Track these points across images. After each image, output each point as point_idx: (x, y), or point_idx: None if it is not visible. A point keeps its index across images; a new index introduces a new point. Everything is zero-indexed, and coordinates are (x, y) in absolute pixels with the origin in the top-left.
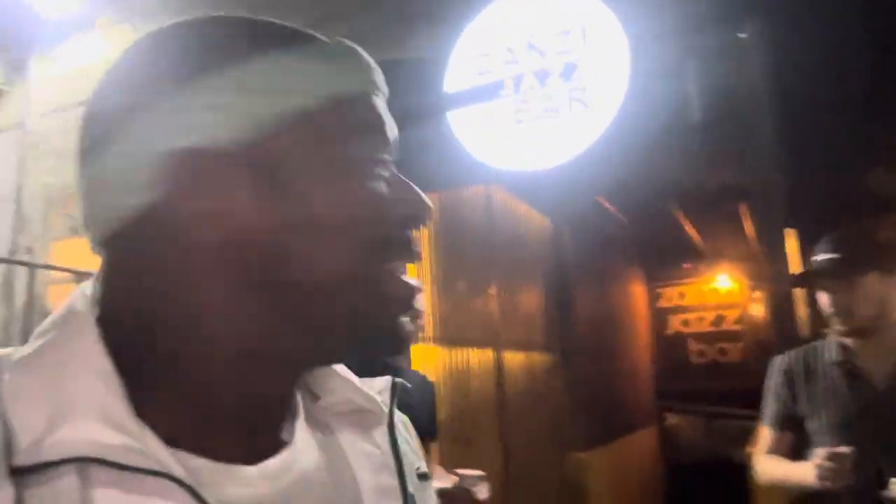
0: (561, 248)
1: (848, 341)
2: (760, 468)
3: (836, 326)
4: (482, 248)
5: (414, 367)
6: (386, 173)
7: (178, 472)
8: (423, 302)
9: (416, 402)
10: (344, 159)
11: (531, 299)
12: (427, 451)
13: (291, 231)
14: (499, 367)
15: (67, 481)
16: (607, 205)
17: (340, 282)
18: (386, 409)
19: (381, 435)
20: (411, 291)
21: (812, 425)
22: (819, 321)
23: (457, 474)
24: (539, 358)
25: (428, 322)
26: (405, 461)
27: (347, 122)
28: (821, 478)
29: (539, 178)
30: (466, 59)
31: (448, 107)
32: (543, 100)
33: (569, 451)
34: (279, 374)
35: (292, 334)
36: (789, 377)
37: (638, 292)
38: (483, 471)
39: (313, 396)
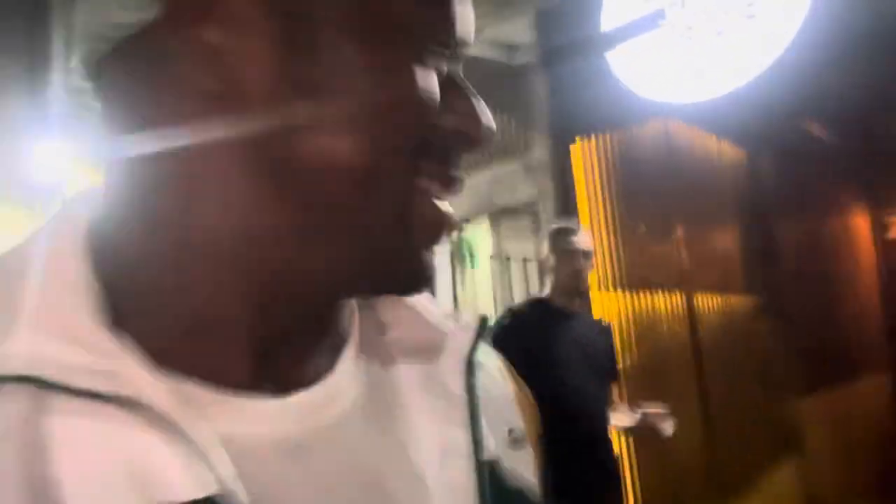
0: (759, 181)
1: None
2: None
3: None
4: (665, 187)
5: (595, 313)
6: (443, 70)
7: (158, 400)
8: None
9: (597, 347)
10: (391, 25)
11: (726, 238)
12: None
13: (309, 99)
14: (690, 311)
15: (13, 406)
16: (812, 126)
17: (357, 179)
18: (465, 350)
19: (454, 379)
20: (441, 218)
21: None
22: None
23: (640, 411)
24: (738, 300)
25: (608, 267)
26: (487, 413)
27: None
28: None
29: (721, 107)
30: None
31: (607, 46)
32: (711, 19)
33: (778, 398)
34: (294, 286)
35: (300, 240)
36: None
37: (860, 222)
38: (677, 419)
39: (380, 326)
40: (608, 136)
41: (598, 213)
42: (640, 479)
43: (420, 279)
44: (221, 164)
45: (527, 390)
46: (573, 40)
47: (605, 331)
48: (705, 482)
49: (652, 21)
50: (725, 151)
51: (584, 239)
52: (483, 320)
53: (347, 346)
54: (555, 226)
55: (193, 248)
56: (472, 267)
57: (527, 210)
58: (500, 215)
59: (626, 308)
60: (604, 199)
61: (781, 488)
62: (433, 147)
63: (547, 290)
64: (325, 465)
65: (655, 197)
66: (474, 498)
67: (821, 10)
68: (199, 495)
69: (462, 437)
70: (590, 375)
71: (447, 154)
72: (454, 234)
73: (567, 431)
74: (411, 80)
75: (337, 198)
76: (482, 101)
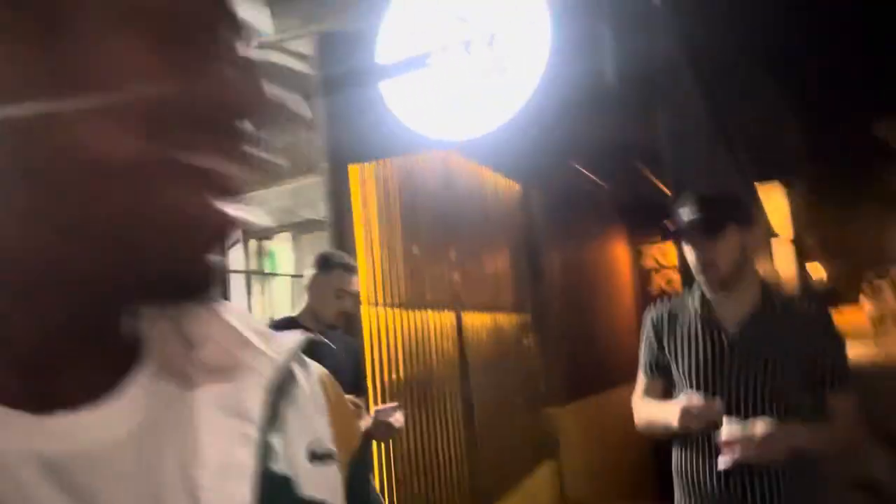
0: (530, 210)
1: (709, 293)
2: (635, 410)
3: (700, 279)
4: (442, 213)
5: (365, 330)
6: (213, 53)
7: None
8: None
9: (340, 365)
10: (149, 12)
11: (498, 262)
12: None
13: (65, 91)
14: (460, 328)
15: None
16: (580, 167)
17: (117, 173)
18: (273, 369)
19: (254, 397)
20: (220, 219)
21: (675, 370)
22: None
23: (374, 410)
24: (507, 318)
25: (380, 286)
26: (290, 430)
27: None
28: (682, 420)
29: (495, 142)
30: (396, 30)
31: (380, 77)
32: (469, 69)
33: (539, 409)
34: (58, 292)
35: (62, 240)
36: (657, 326)
37: (619, 252)
38: (446, 430)
39: (187, 344)
40: (386, 162)
41: (373, 235)
42: (403, 490)
43: (198, 284)
44: None
45: (347, 406)
46: (350, 67)
47: (351, 349)
48: (468, 489)
49: (420, 61)
50: (500, 183)
51: (347, 278)
52: (307, 343)
53: (140, 364)
54: (323, 252)
55: None
56: (272, 279)
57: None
58: (301, 229)
59: (399, 325)
60: (380, 222)
61: (539, 491)
62: (203, 137)
63: (299, 310)
64: (85, 488)
65: (432, 222)
66: None
67: (558, 61)
68: None
69: (247, 455)
70: None
71: (219, 141)
72: (257, 246)
73: None
74: (172, 64)
75: (97, 194)
76: (254, 73)
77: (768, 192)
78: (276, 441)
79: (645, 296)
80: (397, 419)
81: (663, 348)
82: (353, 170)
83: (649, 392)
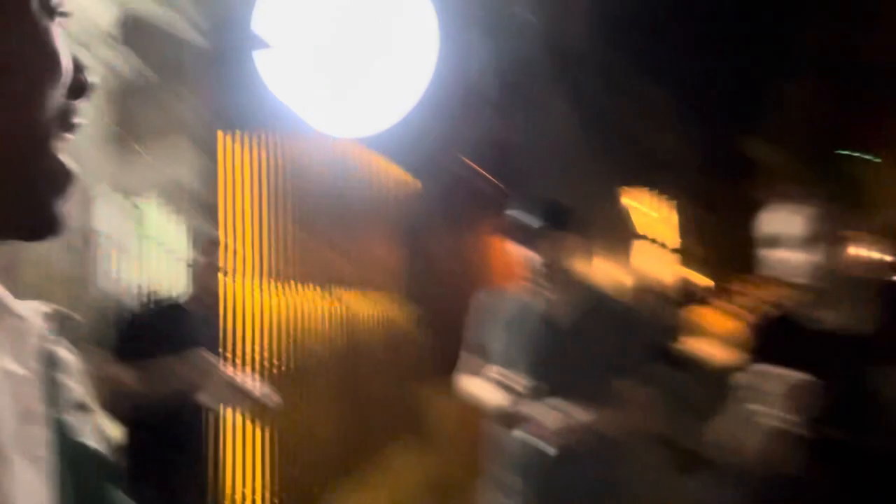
0: (420, 200)
1: (538, 287)
2: (461, 387)
3: (530, 276)
4: (329, 195)
5: (238, 307)
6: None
7: None
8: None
9: (196, 337)
10: None
11: (383, 245)
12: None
13: None
14: (341, 312)
15: None
16: (469, 162)
17: None
18: (45, 332)
19: (32, 355)
20: (65, 170)
21: (497, 355)
22: None
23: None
24: (387, 302)
25: (263, 261)
26: (60, 390)
27: None
28: (491, 394)
29: (389, 135)
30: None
31: (256, 46)
32: (356, 66)
33: (416, 393)
34: None
35: None
36: (490, 311)
37: (506, 245)
38: (322, 405)
39: None
40: (265, 136)
41: (251, 210)
42: (278, 469)
43: (47, 227)
44: None
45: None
46: (230, 34)
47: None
48: (340, 465)
49: (298, 40)
50: (390, 171)
51: (223, 255)
52: (61, 315)
53: None
54: (208, 237)
55: None
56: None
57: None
58: (172, 190)
59: (279, 305)
60: (259, 197)
61: (410, 467)
62: (51, 101)
63: (183, 294)
64: None
65: (318, 202)
66: (47, 450)
67: (444, 64)
68: None
69: (37, 406)
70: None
71: (66, 105)
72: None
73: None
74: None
75: None
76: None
77: (641, 197)
78: (55, 396)
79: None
80: (264, 394)
81: (489, 332)
82: (237, 139)
83: (475, 372)
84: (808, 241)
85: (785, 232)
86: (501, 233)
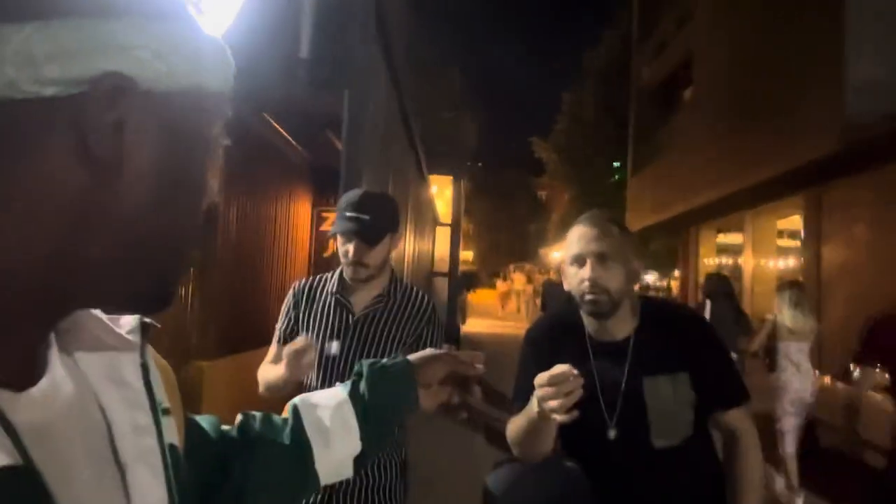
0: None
1: (349, 281)
2: (260, 376)
3: (347, 269)
4: None
5: None
6: (214, 161)
7: None
8: None
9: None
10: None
11: None
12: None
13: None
14: None
15: None
16: (276, 124)
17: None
18: (137, 349)
19: (132, 373)
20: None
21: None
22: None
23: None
24: None
25: None
26: (155, 399)
27: (203, 106)
28: (287, 366)
29: None
30: None
31: None
32: None
33: (187, 361)
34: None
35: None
36: (298, 299)
37: (302, 214)
38: None
39: (64, 329)
40: None
41: None
42: None
43: (168, 305)
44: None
45: (170, 372)
46: None
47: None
48: None
49: None
50: None
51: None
52: (144, 324)
53: (52, 345)
54: None
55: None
56: None
57: None
58: None
59: None
60: None
61: None
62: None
63: None
64: (66, 440)
65: None
66: (160, 458)
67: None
68: (10, 462)
69: (148, 420)
70: None
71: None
72: None
73: None
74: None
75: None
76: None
77: (441, 183)
78: (152, 401)
79: (319, 260)
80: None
81: (298, 319)
82: None
83: (277, 360)
84: (576, 259)
85: (566, 247)
86: (330, 231)
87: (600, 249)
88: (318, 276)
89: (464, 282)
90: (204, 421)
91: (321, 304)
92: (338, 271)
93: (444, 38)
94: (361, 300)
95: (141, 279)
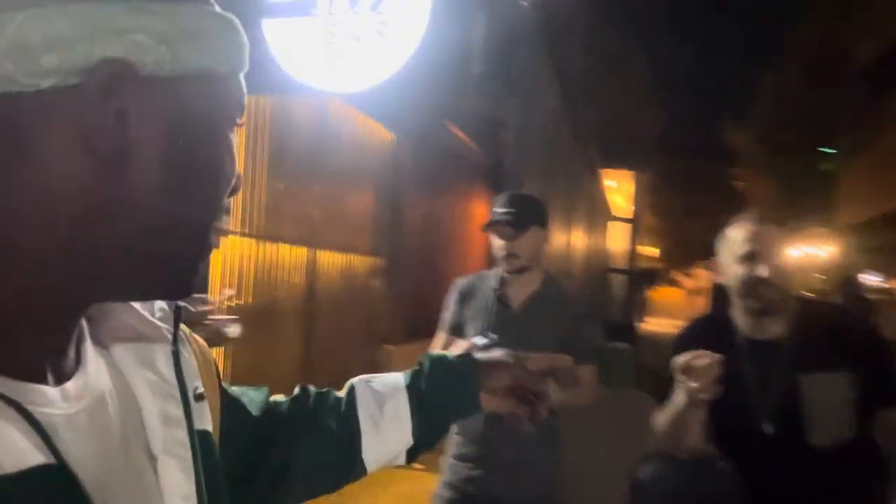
0: (400, 161)
1: (506, 275)
2: None
3: (501, 264)
4: (310, 151)
5: (218, 257)
6: (230, 140)
7: (2, 389)
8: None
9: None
10: (198, 118)
11: (361, 205)
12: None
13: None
14: (311, 264)
15: None
16: (455, 129)
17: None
18: (169, 336)
19: (164, 363)
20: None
21: (469, 333)
22: None
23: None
24: (361, 260)
25: (238, 215)
26: (187, 388)
27: (214, 90)
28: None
29: (375, 94)
30: None
31: (262, 13)
32: (352, 27)
33: (376, 345)
34: (82, 290)
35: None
36: (462, 294)
37: (478, 211)
38: (285, 354)
39: (90, 319)
40: (259, 98)
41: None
42: None
43: (190, 291)
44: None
45: (208, 353)
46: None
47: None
48: None
49: (303, 8)
50: (375, 131)
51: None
52: (178, 310)
53: (86, 338)
54: None
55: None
56: None
57: None
58: None
59: (251, 254)
60: (245, 154)
61: None
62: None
63: None
64: (101, 434)
65: (299, 160)
66: (189, 449)
67: (437, 30)
68: (43, 461)
69: (178, 412)
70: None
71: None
72: None
73: None
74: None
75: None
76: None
77: (618, 177)
78: (184, 391)
79: (493, 255)
80: (232, 330)
81: (463, 313)
82: None
83: (445, 349)
84: (745, 258)
85: (726, 246)
86: (481, 221)
87: (772, 248)
88: (479, 275)
89: (643, 279)
90: (252, 394)
91: (482, 300)
92: (495, 269)
93: (628, 24)
94: (518, 296)
95: (160, 267)
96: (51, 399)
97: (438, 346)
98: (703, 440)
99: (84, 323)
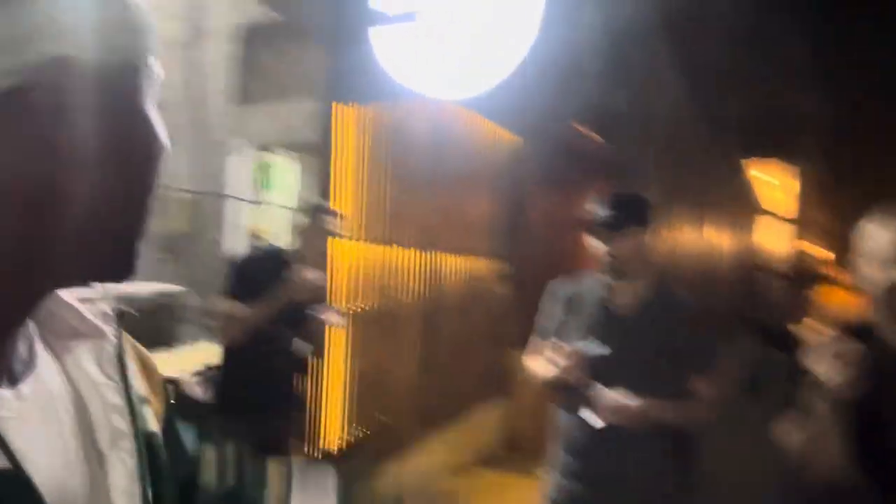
0: (522, 163)
1: (609, 279)
2: (527, 366)
3: (604, 267)
4: (431, 155)
5: (339, 261)
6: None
7: None
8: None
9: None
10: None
11: (483, 209)
12: None
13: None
14: (433, 268)
15: None
16: (579, 125)
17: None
18: (113, 338)
19: (108, 363)
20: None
21: (568, 340)
22: None
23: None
24: (483, 263)
25: (357, 220)
26: (132, 389)
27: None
28: (554, 370)
29: (495, 97)
30: None
31: (370, 22)
32: (458, 31)
33: (499, 350)
34: (33, 288)
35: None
36: (561, 298)
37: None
38: (404, 358)
39: (37, 320)
40: (376, 105)
41: (359, 171)
42: (357, 409)
43: (129, 273)
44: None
45: (150, 361)
46: (343, 9)
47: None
48: (419, 412)
49: (409, 15)
50: (497, 134)
51: (333, 224)
52: (120, 313)
53: (35, 338)
54: (314, 203)
55: None
56: (267, 190)
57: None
58: (296, 148)
59: (366, 258)
60: (365, 159)
61: (487, 423)
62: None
63: (294, 245)
64: (54, 435)
65: (419, 164)
66: (134, 447)
67: (551, 27)
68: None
69: (121, 410)
70: (296, 306)
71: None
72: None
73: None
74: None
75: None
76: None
77: (769, 168)
78: (128, 392)
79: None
80: (337, 321)
81: (561, 318)
82: (349, 110)
83: (534, 351)
84: (887, 261)
85: (868, 245)
86: (582, 227)
87: None
88: (580, 277)
89: (802, 280)
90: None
91: (585, 305)
92: (598, 273)
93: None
94: (624, 303)
95: (102, 251)
96: (4, 401)
97: (532, 350)
98: (845, 461)
99: (32, 324)
